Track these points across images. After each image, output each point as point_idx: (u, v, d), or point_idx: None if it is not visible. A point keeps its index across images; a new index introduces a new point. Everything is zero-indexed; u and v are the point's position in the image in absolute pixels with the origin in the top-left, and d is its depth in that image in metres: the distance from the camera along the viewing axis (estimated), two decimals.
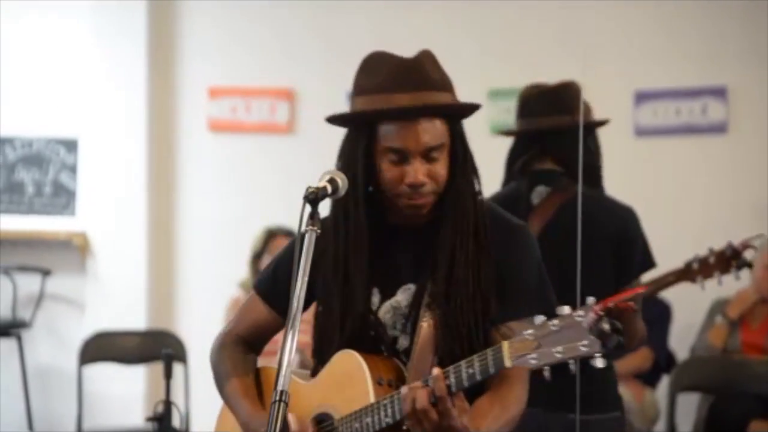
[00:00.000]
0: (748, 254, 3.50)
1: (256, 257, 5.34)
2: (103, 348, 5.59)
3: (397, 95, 2.22)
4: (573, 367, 1.91)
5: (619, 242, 3.20)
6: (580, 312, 1.90)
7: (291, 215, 2.39)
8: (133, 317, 6.15)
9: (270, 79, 6.37)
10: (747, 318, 5.34)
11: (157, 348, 4.56)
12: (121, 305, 6.19)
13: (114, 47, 6.31)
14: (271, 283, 2.46)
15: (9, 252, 6.31)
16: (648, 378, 5.56)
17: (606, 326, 1.86)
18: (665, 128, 5.97)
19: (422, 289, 2.29)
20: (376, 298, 2.33)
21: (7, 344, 6.19)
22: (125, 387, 6.06)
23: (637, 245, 3.23)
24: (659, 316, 5.54)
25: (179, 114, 6.47)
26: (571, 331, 1.90)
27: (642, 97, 5.98)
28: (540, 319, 1.96)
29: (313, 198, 2.11)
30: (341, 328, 2.31)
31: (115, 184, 6.28)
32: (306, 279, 2.08)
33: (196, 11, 6.45)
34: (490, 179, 3.46)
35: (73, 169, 6.42)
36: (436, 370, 2.10)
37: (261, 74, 6.39)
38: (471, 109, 2.31)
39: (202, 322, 5.99)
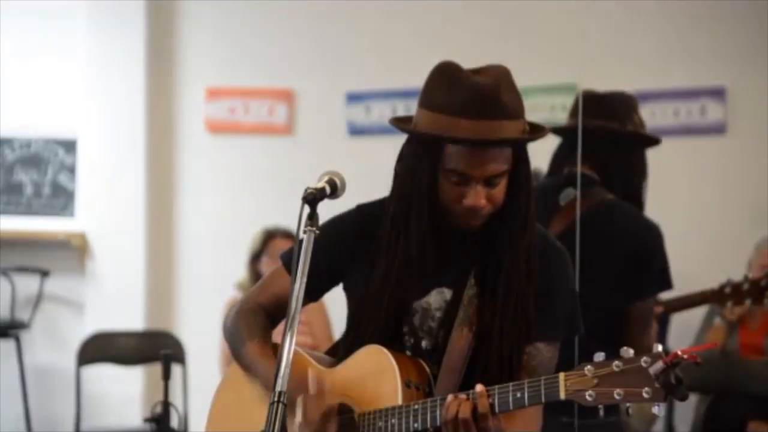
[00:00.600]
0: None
1: (255, 258, 5.34)
2: (101, 349, 5.60)
3: (468, 121, 2.20)
4: (630, 411, 1.96)
5: (636, 258, 3.16)
6: (647, 358, 1.92)
7: (289, 216, 2.39)
8: (131, 318, 6.15)
9: (268, 80, 6.37)
10: (745, 319, 5.34)
11: (156, 349, 4.56)
12: (119, 306, 6.19)
13: (112, 48, 6.31)
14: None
15: (7, 253, 6.31)
16: None
17: (672, 378, 1.90)
18: (664, 129, 5.96)
19: (460, 296, 2.30)
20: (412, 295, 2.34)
21: (6, 345, 6.18)
22: (123, 388, 6.06)
23: (654, 264, 3.18)
24: (658, 316, 5.54)
25: (177, 115, 6.47)
26: (634, 375, 1.93)
27: (640, 98, 5.94)
28: (600, 356, 1.98)
29: (311, 199, 2.11)
30: (377, 320, 2.31)
31: (114, 185, 6.28)
32: (304, 280, 2.07)
33: (194, 12, 6.45)
34: None
35: (71, 170, 6.43)
36: (479, 387, 2.11)
37: (259, 75, 6.39)
38: (536, 138, 2.30)
39: (201, 323, 6.00)
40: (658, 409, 1.93)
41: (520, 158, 2.28)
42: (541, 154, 3.42)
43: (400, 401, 2.20)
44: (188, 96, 6.44)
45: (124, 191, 6.28)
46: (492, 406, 2.09)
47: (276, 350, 2.40)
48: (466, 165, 2.21)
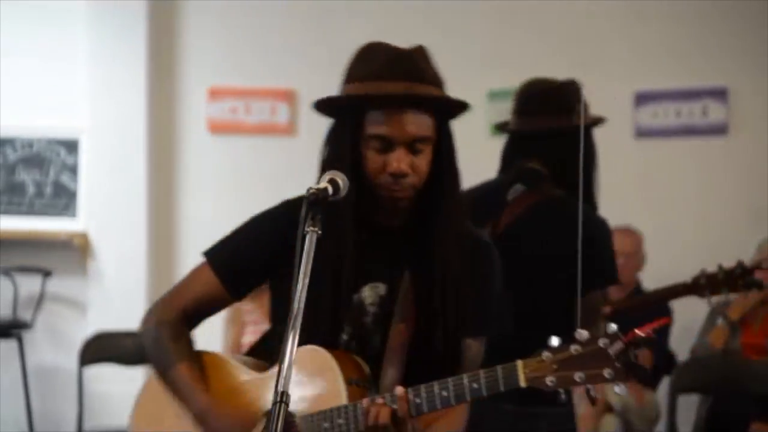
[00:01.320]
0: (758, 274, 3.46)
1: None
2: (103, 348, 5.59)
3: (389, 83, 2.22)
4: (593, 393, 1.95)
5: (585, 254, 3.13)
6: (604, 339, 1.93)
7: None
8: (133, 318, 6.08)
9: (270, 80, 6.36)
10: (748, 319, 5.33)
11: None
12: (121, 306, 6.18)
13: (114, 48, 6.31)
14: (228, 260, 2.39)
15: (9, 253, 6.31)
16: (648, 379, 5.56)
17: (632, 356, 1.92)
18: (665, 130, 5.97)
19: (395, 289, 2.28)
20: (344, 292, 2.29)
21: (8, 345, 6.18)
22: (126, 387, 6.01)
23: (597, 258, 3.14)
24: (659, 317, 5.53)
25: (179, 115, 6.47)
26: (594, 357, 1.93)
27: (642, 99, 5.98)
28: (555, 341, 1.98)
29: (313, 199, 2.10)
30: (320, 319, 2.25)
31: (116, 185, 6.28)
32: (306, 281, 2.05)
33: (196, 12, 6.45)
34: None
35: (73, 170, 6.42)
36: (399, 390, 2.10)
37: (261, 75, 6.39)
38: (460, 107, 2.29)
39: (203, 322, 5.99)
40: (620, 389, 1.93)
41: (444, 132, 2.27)
42: None
43: (345, 400, 2.17)
44: (190, 96, 6.44)
45: (126, 191, 6.28)
46: (419, 406, 2.08)
47: (201, 368, 2.36)
48: (388, 127, 2.21)
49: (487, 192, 3.30)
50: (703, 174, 5.97)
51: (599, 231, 3.20)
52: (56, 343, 6.37)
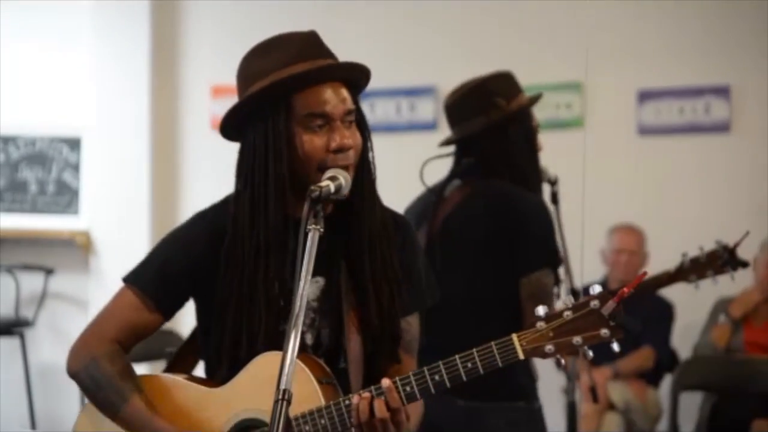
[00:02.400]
0: (743, 253, 3.48)
1: None
2: None
3: (303, 64, 2.21)
4: (590, 353, 1.99)
5: (517, 235, 3.15)
6: (594, 300, 1.97)
7: None
8: None
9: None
10: (750, 317, 5.33)
11: (160, 347, 4.54)
12: None
13: (117, 46, 6.31)
14: (158, 283, 2.34)
15: (12, 250, 6.32)
16: (650, 377, 5.56)
17: (622, 314, 1.96)
18: (668, 127, 5.97)
19: (335, 283, 2.27)
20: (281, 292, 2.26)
21: (10, 343, 6.19)
22: None
23: (531, 239, 3.16)
24: (662, 315, 5.54)
25: (182, 113, 6.47)
26: (588, 319, 1.97)
27: (645, 96, 5.98)
28: (542, 310, 2.01)
29: (316, 197, 2.10)
30: (263, 325, 2.21)
31: (119, 183, 6.28)
32: (308, 278, 2.04)
33: (199, 10, 6.46)
34: None
35: (76, 168, 6.43)
36: (386, 381, 2.09)
37: None
38: (366, 77, 2.30)
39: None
40: (617, 346, 1.98)
41: (359, 106, 2.28)
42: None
43: (322, 401, 2.14)
44: (193, 94, 6.45)
45: (128, 189, 6.29)
46: (411, 395, 2.08)
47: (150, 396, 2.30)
48: (323, 104, 2.19)
49: (426, 196, 3.38)
50: (706, 172, 5.96)
51: (532, 212, 3.20)
52: (58, 341, 6.37)
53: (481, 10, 6.17)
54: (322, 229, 2.09)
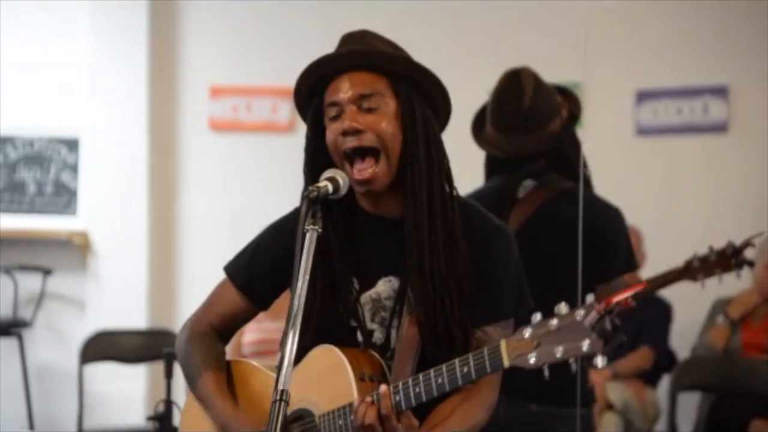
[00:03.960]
0: (749, 253, 3.47)
1: None
2: (104, 347, 5.59)
3: (341, 49, 2.27)
4: (574, 365, 1.90)
5: (599, 242, 3.13)
6: (581, 311, 1.89)
7: None
8: (134, 316, 6.15)
9: (271, 78, 6.36)
10: (748, 317, 5.33)
11: (158, 347, 4.56)
12: (122, 304, 6.19)
13: (115, 46, 6.31)
14: (247, 273, 2.40)
15: (10, 251, 6.31)
16: (649, 377, 5.56)
17: (608, 325, 1.85)
18: (666, 127, 5.97)
19: (405, 282, 2.25)
20: (355, 289, 2.29)
21: (8, 343, 6.18)
22: (126, 386, 6.06)
23: (617, 247, 3.18)
24: (660, 315, 5.54)
25: (180, 113, 6.47)
26: (572, 330, 1.88)
27: (643, 97, 5.98)
28: (537, 317, 1.95)
29: (314, 197, 2.10)
30: (326, 318, 2.25)
31: (117, 184, 6.27)
32: (307, 278, 2.06)
33: (197, 10, 6.45)
34: None
35: (74, 169, 6.42)
36: (382, 388, 2.09)
37: (262, 73, 6.39)
38: (401, 65, 2.28)
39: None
40: (601, 361, 1.87)
41: (404, 96, 2.24)
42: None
43: (356, 395, 2.14)
44: (191, 94, 6.44)
45: (126, 190, 6.28)
46: (407, 399, 2.07)
47: (229, 376, 2.40)
48: (333, 92, 2.23)
49: (493, 193, 3.29)
50: (704, 172, 5.96)
51: (615, 219, 3.23)
52: (56, 342, 6.37)
53: (480, 10, 6.18)
54: (320, 230, 2.09)
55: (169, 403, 3.17)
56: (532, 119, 3.25)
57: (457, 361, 2.04)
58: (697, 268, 3.48)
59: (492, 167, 3.40)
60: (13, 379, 6.15)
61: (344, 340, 2.24)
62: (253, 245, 2.44)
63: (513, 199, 3.25)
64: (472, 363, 2.02)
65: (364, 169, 2.20)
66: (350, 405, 2.15)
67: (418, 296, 2.20)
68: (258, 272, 2.38)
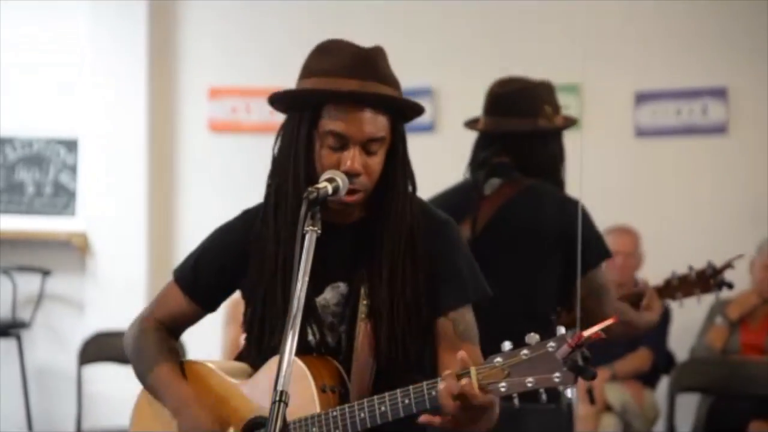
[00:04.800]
0: (729, 275, 3.47)
1: None
2: (102, 348, 5.59)
3: (347, 80, 2.21)
4: (544, 396, 1.94)
5: (565, 237, 3.16)
6: (552, 343, 1.90)
7: None
8: (132, 317, 6.10)
9: (270, 79, 6.34)
10: (747, 318, 5.34)
11: None
12: (120, 305, 6.16)
13: (114, 47, 6.31)
14: (192, 276, 2.43)
15: (9, 252, 6.31)
16: (647, 379, 5.56)
17: (579, 359, 1.88)
18: (665, 129, 5.97)
19: (355, 289, 2.27)
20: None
21: (7, 344, 6.19)
22: (125, 387, 6.01)
23: (586, 240, 3.16)
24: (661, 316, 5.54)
25: (179, 114, 6.47)
26: (543, 361, 1.91)
27: (642, 98, 5.98)
28: (507, 346, 1.96)
29: (313, 198, 2.10)
30: (279, 324, 2.24)
31: (116, 185, 6.27)
32: (306, 279, 2.06)
33: (196, 12, 6.45)
34: None
35: (73, 170, 6.43)
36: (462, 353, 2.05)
37: (261, 74, 6.39)
38: (415, 110, 2.29)
39: (201, 322, 5.98)
40: (570, 392, 1.92)
41: (398, 134, 2.27)
42: None
43: (318, 407, 2.16)
44: (190, 95, 6.44)
45: (125, 191, 6.28)
46: (395, 412, 2.07)
47: (183, 369, 2.41)
48: (346, 125, 2.20)
49: (462, 190, 3.37)
50: (702, 173, 5.97)
51: (583, 212, 3.22)
52: (55, 343, 6.37)
53: (479, 11, 6.18)
54: (319, 231, 2.10)
55: None
56: (500, 105, 3.34)
57: (424, 384, 2.05)
58: (675, 287, 3.50)
59: (477, 152, 3.42)
60: (12, 379, 6.15)
61: (301, 347, 2.20)
62: (199, 249, 2.48)
63: (480, 197, 3.30)
64: (425, 392, 2.03)
65: (351, 201, 2.23)
66: (311, 417, 2.15)
67: (381, 302, 2.23)
68: (203, 275, 2.40)
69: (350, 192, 2.20)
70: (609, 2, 6.04)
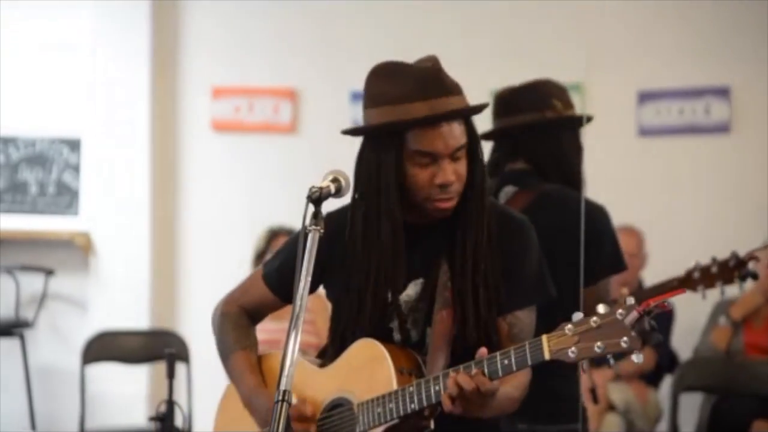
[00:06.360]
0: (753, 265, 3.41)
1: (259, 257, 5.34)
2: (106, 347, 5.60)
3: (420, 104, 2.29)
4: (612, 361, 2.05)
5: (585, 241, 3.07)
6: (621, 310, 2.01)
7: (294, 215, 2.40)
8: (135, 317, 6.16)
9: (273, 78, 6.37)
10: (750, 318, 5.33)
11: (160, 347, 4.56)
12: (124, 305, 6.19)
13: (117, 47, 6.31)
14: (276, 274, 2.54)
15: (12, 251, 6.31)
16: (651, 378, 5.56)
17: (647, 325, 2.00)
18: (668, 128, 5.97)
19: (433, 282, 2.37)
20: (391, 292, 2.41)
21: (10, 344, 6.19)
22: (128, 387, 6.06)
23: (603, 245, 3.13)
24: (662, 316, 5.53)
25: (182, 114, 6.47)
26: (612, 328, 2.02)
27: (645, 97, 5.98)
28: (578, 315, 2.06)
29: (316, 197, 2.14)
30: (363, 320, 2.38)
31: (119, 184, 6.28)
32: (309, 279, 2.10)
33: (199, 11, 6.45)
34: None
35: (76, 169, 6.43)
36: (482, 349, 2.16)
37: (264, 74, 6.39)
38: (482, 109, 2.40)
39: (205, 321, 5.98)
40: (636, 357, 2.02)
41: (472, 132, 2.38)
42: None
43: (395, 386, 2.26)
44: (193, 95, 6.45)
45: (128, 190, 6.28)
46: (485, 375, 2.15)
47: (260, 359, 2.56)
48: (431, 143, 2.30)
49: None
50: (706, 172, 5.96)
51: (598, 217, 3.16)
52: (58, 342, 6.37)
53: (482, 11, 6.18)
54: (322, 230, 2.13)
55: (171, 403, 3.17)
56: (503, 105, 3.31)
57: (498, 354, 2.14)
58: (697, 279, 3.44)
59: (495, 162, 3.37)
60: (15, 379, 6.15)
61: (385, 341, 2.36)
62: (285, 249, 2.57)
63: None
64: (513, 356, 2.12)
65: (449, 207, 2.35)
66: (389, 394, 2.25)
67: (463, 293, 2.33)
68: (287, 275, 2.44)
69: (446, 200, 2.32)
70: (612, 1, 6.04)
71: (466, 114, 2.34)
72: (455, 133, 2.31)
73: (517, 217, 2.46)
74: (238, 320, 2.59)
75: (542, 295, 2.43)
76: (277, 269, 2.54)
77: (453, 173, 2.31)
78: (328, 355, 2.50)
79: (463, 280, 2.34)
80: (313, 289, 2.47)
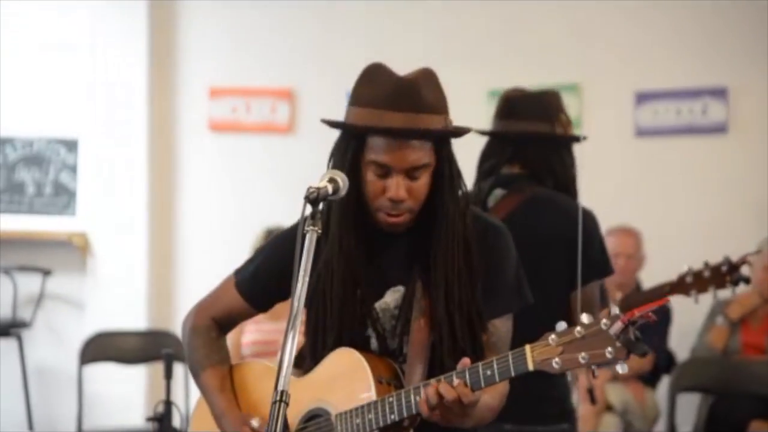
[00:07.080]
0: (745, 270, 3.42)
1: None
2: (103, 348, 5.59)
3: (391, 113, 2.26)
4: (596, 372, 2.01)
5: (570, 247, 3.09)
6: (605, 320, 1.98)
7: (291, 215, 2.40)
8: (133, 317, 6.16)
9: (270, 79, 6.37)
10: (747, 318, 5.34)
11: (158, 348, 4.56)
12: (121, 305, 6.19)
13: (115, 47, 6.31)
14: (250, 281, 2.51)
15: (9, 252, 6.31)
16: (648, 379, 5.56)
17: (632, 335, 1.96)
18: (666, 129, 5.98)
19: (411, 291, 2.34)
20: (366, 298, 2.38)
21: (8, 344, 6.19)
22: (125, 387, 6.06)
23: (590, 249, 3.12)
24: (659, 317, 5.53)
25: (180, 114, 6.47)
26: (596, 338, 1.99)
27: (642, 98, 5.98)
28: (562, 325, 2.03)
29: (314, 198, 2.12)
30: (339, 328, 2.35)
31: (116, 184, 6.28)
32: (307, 279, 2.08)
33: (196, 11, 6.45)
34: None
35: (73, 169, 6.43)
36: (465, 360, 2.14)
37: (261, 74, 6.39)
38: (459, 134, 2.35)
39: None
40: (621, 368, 1.98)
41: (443, 155, 2.32)
42: None
43: (374, 397, 2.24)
44: (190, 95, 6.45)
45: (125, 190, 6.28)
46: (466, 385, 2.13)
47: (230, 373, 2.53)
48: (387, 156, 2.27)
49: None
50: (703, 173, 5.97)
51: (589, 223, 3.17)
52: (56, 342, 6.37)
53: (479, 12, 6.18)
54: (320, 231, 2.12)
55: (168, 403, 3.17)
56: (515, 108, 3.29)
57: (480, 364, 2.12)
58: (690, 284, 3.45)
59: (486, 159, 3.38)
60: (13, 379, 6.15)
61: (358, 348, 2.33)
62: (259, 255, 2.56)
63: (484, 209, 3.21)
64: (496, 366, 2.10)
65: (397, 223, 2.32)
66: (368, 404, 2.23)
67: (438, 301, 2.30)
68: (261, 281, 2.48)
69: (394, 216, 2.29)
70: (609, 3, 6.04)
71: (425, 135, 2.27)
72: (417, 151, 2.27)
73: (494, 225, 2.43)
74: (207, 334, 2.55)
75: (519, 304, 2.40)
76: (252, 275, 2.51)
77: (405, 190, 2.28)
78: (305, 364, 2.45)
79: (436, 308, 2.30)
80: (283, 299, 2.46)
